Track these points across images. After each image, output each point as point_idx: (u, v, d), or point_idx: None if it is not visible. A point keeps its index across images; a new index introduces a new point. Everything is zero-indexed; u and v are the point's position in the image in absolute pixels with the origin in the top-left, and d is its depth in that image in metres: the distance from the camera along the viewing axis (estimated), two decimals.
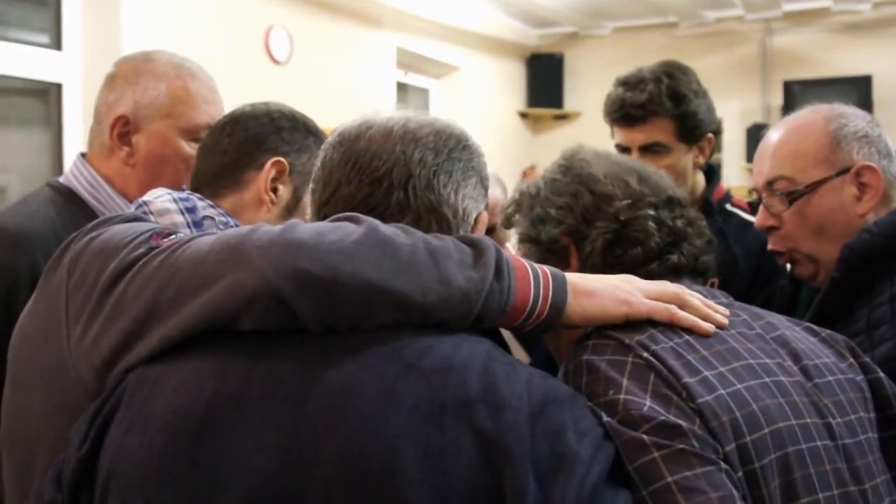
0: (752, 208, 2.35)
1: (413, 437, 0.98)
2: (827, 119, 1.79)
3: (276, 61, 5.08)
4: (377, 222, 1.09)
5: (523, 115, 8.02)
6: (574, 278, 1.22)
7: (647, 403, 1.12)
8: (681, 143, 2.48)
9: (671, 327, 1.24)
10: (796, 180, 1.77)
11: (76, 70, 4.14)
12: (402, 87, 6.67)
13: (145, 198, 1.54)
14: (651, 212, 1.40)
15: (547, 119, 8.10)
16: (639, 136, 2.48)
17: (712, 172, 2.66)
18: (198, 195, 1.59)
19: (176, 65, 1.92)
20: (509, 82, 7.81)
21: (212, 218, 1.54)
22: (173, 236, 1.17)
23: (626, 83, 2.51)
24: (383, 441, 0.98)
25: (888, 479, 1.28)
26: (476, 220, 1.27)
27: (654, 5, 7.06)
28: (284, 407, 1.02)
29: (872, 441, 1.29)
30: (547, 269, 1.20)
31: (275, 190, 1.62)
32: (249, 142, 1.63)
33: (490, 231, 2.03)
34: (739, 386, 1.18)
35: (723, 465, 1.09)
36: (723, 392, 1.16)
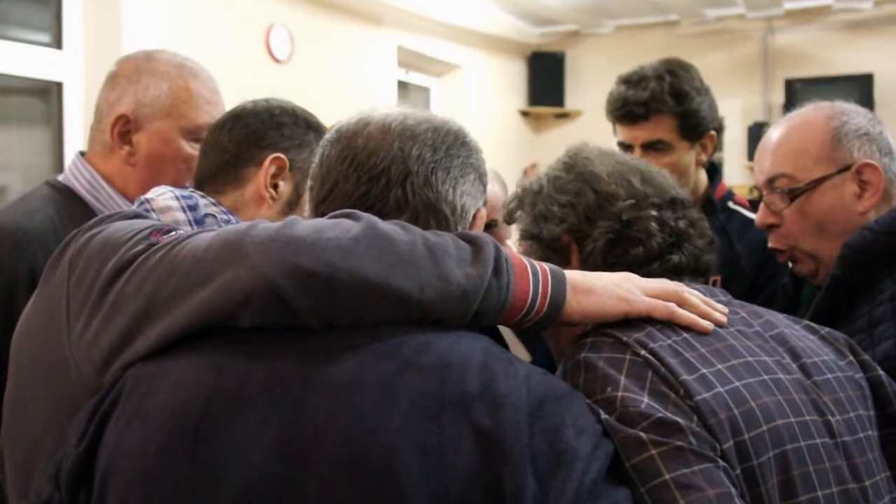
0: (754, 206, 2.35)
1: (412, 434, 0.98)
2: (828, 117, 1.79)
3: (276, 60, 5.08)
4: (376, 219, 1.09)
5: (524, 114, 8.01)
6: (573, 276, 1.22)
7: (645, 401, 1.12)
8: (683, 140, 2.48)
9: (670, 325, 1.24)
10: (797, 178, 1.77)
11: (77, 69, 4.14)
12: (403, 86, 6.67)
13: (148, 195, 1.54)
14: (654, 212, 1.40)
15: (548, 118, 8.10)
16: (641, 134, 2.48)
17: (714, 170, 2.65)
18: (200, 193, 1.59)
19: (178, 64, 1.92)
20: (510, 81, 7.81)
21: (214, 216, 1.55)
22: (173, 233, 1.17)
23: (628, 81, 2.51)
24: (382, 437, 0.98)
25: (888, 476, 1.28)
26: (474, 217, 1.27)
27: (655, 4, 7.05)
28: (283, 403, 1.02)
29: (872, 439, 1.29)
30: (546, 266, 1.20)
31: (275, 186, 1.62)
32: (249, 138, 1.63)
33: (489, 227, 2.04)
34: (738, 383, 1.18)
35: (720, 462, 1.10)
36: (721, 389, 1.16)
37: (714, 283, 1.44)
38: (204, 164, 1.66)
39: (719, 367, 1.19)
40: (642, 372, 1.16)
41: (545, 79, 7.93)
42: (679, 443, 1.09)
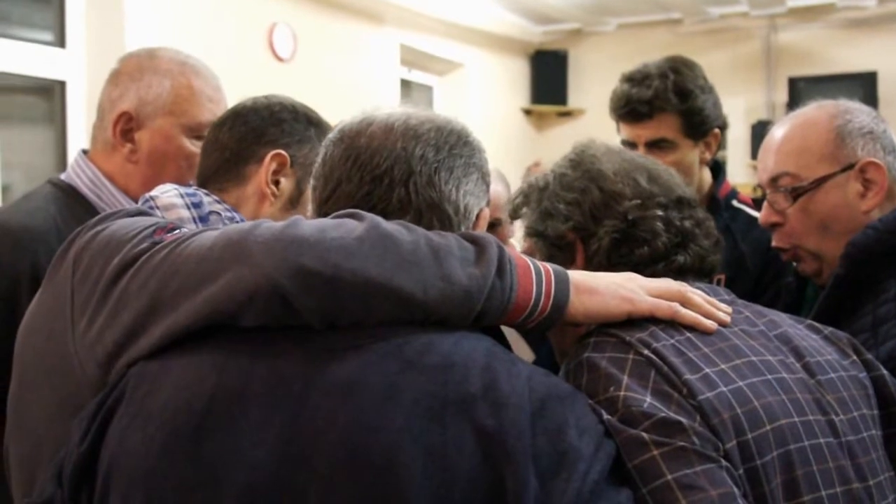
0: (757, 205, 2.34)
1: (414, 434, 0.98)
2: (831, 115, 1.79)
3: (279, 58, 5.08)
4: (379, 219, 1.09)
5: (527, 112, 8.02)
6: (576, 276, 1.22)
7: (648, 400, 1.12)
8: (687, 138, 2.47)
9: (673, 324, 1.23)
10: (800, 177, 1.76)
11: (80, 67, 4.15)
12: (405, 85, 6.67)
13: (152, 193, 1.54)
14: (660, 212, 1.39)
15: (551, 116, 8.10)
16: (645, 133, 2.47)
17: (719, 169, 2.65)
18: (204, 190, 1.59)
19: (180, 62, 1.91)
20: (513, 79, 7.81)
21: (218, 213, 1.54)
22: (177, 231, 1.17)
23: (631, 79, 2.50)
24: (384, 437, 0.98)
25: (891, 476, 1.28)
26: (477, 217, 1.27)
27: (658, 2, 7.05)
28: (285, 402, 1.02)
29: (876, 438, 1.29)
30: (549, 266, 1.20)
31: (276, 183, 1.62)
32: (249, 135, 1.63)
33: (492, 226, 2.03)
34: (741, 383, 1.18)
35: (723, 462, 1.09)
36: (724, 389, 1.16)
37: (718, 283, 1.44)
38: (206, 163, 1.66)
39: (722, 366, 1.19)
40: (645, 371, 1.16)
41: (548, 77, 7.93)
42: (681, 443, 1.09)
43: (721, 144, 2.59)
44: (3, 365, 1.30)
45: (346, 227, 1.07)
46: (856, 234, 1.68)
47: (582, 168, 1.45)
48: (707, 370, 1.17)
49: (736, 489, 1.07)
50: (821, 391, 1.25)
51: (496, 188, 2.16)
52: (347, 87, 5.50)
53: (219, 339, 1.07)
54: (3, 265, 1.68)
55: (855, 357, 1.37)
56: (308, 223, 1.08)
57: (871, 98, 6.37)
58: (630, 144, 2.49)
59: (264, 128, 1.64)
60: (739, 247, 2.41)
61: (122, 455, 1.05)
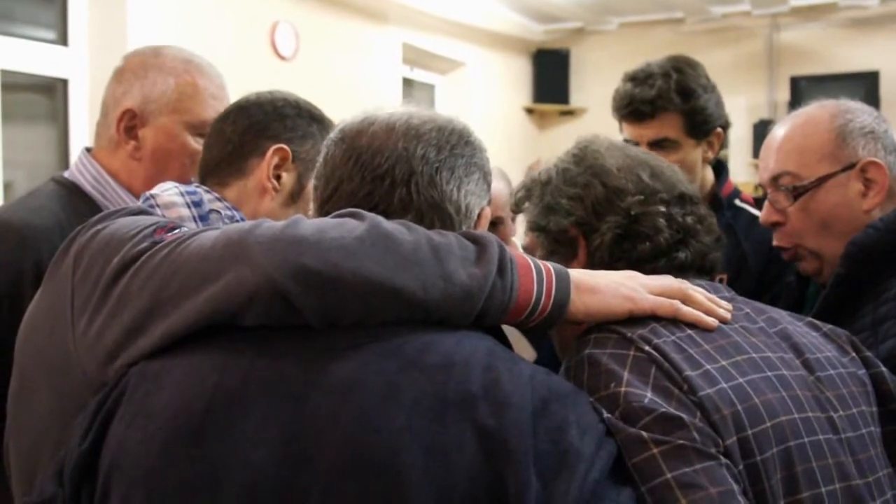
0: (758, 204, 2.34)
1: (415, 433, 0.98)
2: (832, 115, 1.79)
3: (281, 57, 5.08)
4: (380, 218, 1.09)
5: (529, 111, 8.01)
6: (577, 275, 1.22)
7: (648, 396, 1.12)
8: (690, 138, 2.47)
9: (674, 321, 1.24)
10: (801, 176, 1.77)
11: (82, 65, 4.15)
12: (407, 83, 6.67)
13: (153, 191, 1.55)
14: (662, 208, 1.39)
15: (553, 115, 8.09)
16: (647, 132, 2.47)
17: (721, 168, 2.65)
18: (204, 188, 1.59)
19: (185, 60, 1.92)
20: (515, 78, 7.81)
21: (218, 212, 1.55)
22: (177, 230, 1.17)
23: (634, 78, 2.50)
24: (385, 436, 0.98)
25: (890, 473, 1.28)
26: (479, 216, 1.27)
27: (660, 1, 7.05)
28: (286, 402, 1.02)
29: (875, 435, 1.29)
30: (550, 265, 1.20)
31: (278, 177, 1.63)
32: (252, 129, 1.64)
33: (494, 225, 2.04)
34: (741, 379, 1.18)
35: (723, 459, 1.09)
36: (724, 385, 1.16)
37: (720, 282, 1.44)
38: (208, 156, 1.67)
39: (723, 363, 1.19)
40: (645, 368, 1.16)
41: (550, 76, 7.92)
42: (681, 441, 1.09)
43: (723, 143, 2.60)
44: (6, 363, 1.30)
45: (347, 226, 1.07)
46: (857, 234, 1.69)
47: (585, 163, 1.45)
48: (708, 367, 1.17)
49: (735, 486, 1.08)
50: (820, 388, 1.26)
51: (498, 186, 2.16)
52: (349, 86, 5.50)
53: (219, 339, 1.07)
54: (6, 263, 1.68)
55: (854, 354, 1.37)
56: (308, 223, 1.08)
57: (873, 97, 6.36)
58: (633, 144, 2.49)
59: (267, 122, 1.65)
60: (741, 246, 2.41)
61: (122, 455, 1.05)
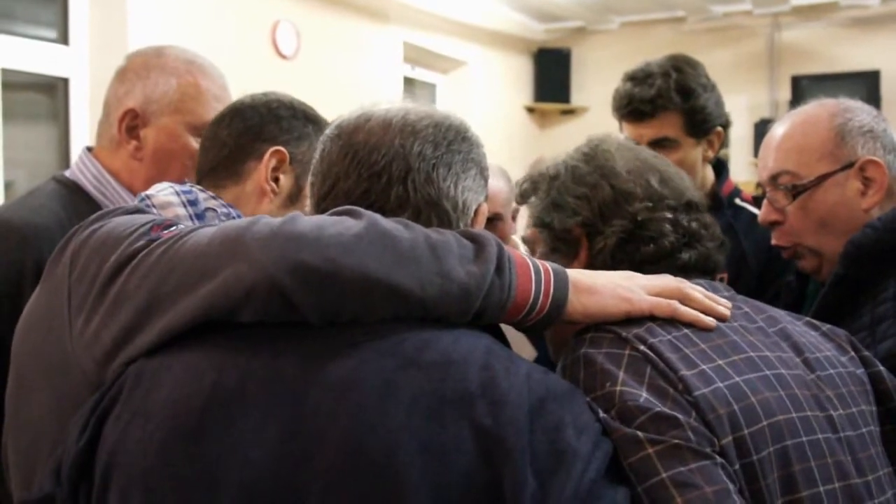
0: (758, 203, 2.34)
1: (413, 431, 0.98)
2: (832, 114, 1.79)
3: (282, 56, 5.08)
4: (378, 216, 1.09)
5: (530, 110, 8.01)
6: (575, 275, 1.22)
7: (644, 395, 1.12)
8: (690, 137, 2.47)
9: (671, 320, 1.23)
10: (800, 175, 1.77)
11: (83, 65, 4.15)
12: (408, 82, 6.67)
13: (148, 192, 1.55)
14: (669, 214, 1.39)
15: (554, 114, 8.09)
16: (647, 132, 2.47)
17: (721, 167, 2.65)
18: (199, 187, 1.59)
19: (187, 60, 1.92)
20: (516, 77, 7.81)
21: (214, 210, 1.55)
22: (174, 228, 1.17)
23: (634, 78, 2.50)
24: (383, 434, 0.98)
25: (889, 472, 1.28)
26: (476, 212, 1.27)
27: (661, 0, 7.05)
28: (284, 400, 1.02)
29: (874, 434, 1.29)
30: (549, 265, 1.20)
31: (276, 180, 1.63)
32: (248, 132, 1.64)
33: (492, 222, 2.04)
34: (738, 379, 1.18)
35: (718, 458, 1.09)
36: (720, 385, 1.16)
37: (721, 281, 1.44)
38: (203, 160, 1.67)
39: (720, 362, 1.19)
40: (641, 367, 1.16)
41: (551, 75, 7.92)
42: (676, 440, 1.09)
43: (724, 142, 2.60)
44: (6, 363, 1.31)
45: (345, 223, 1.07)
46: (855, 234, 1.68)
47: (595, 162, 1.44)
48: (703, 366, 1.17)
49: (731, 485, 1.07)
50: (820, 387, 1.26)
51: (497, 184, 2.16)
52: (351, 85, 5.50)
53: (218, 336, 1.07)
54: (7, 262, 1.68)
55: (853, 353, 1.37)
56: (306, 219, 1.08)
57: (873, 97, 6.36)
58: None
59: (263, 125, 1.65)
60: (742, 245, 2.41)
61: (121, 453, 1.05)
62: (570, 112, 8.00)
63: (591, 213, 1.40)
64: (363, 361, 1.03)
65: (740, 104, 6.96)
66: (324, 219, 1.09)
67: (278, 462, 1.00)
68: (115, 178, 1.87)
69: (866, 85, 6.54)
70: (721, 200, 2.50)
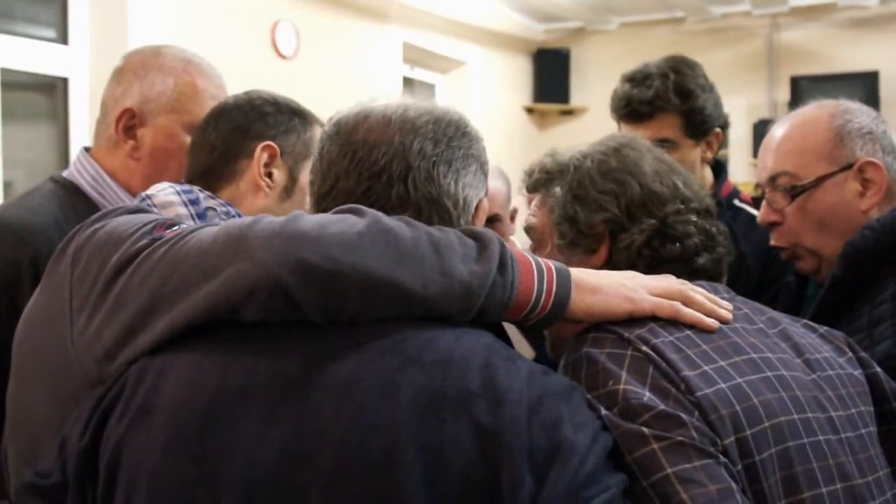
0: (757, 204, 2.34)
1: (413, 430, 0.98)
2: (831, 115, 1.79)
3: (282, 56, 5.08)
4: (380, 214, 1.10)
5: (529, 111, 8.00)
6: (578, 274, 1.22)
7: (647, 394, 1.13)
8: (688, 138, 2.47)
9: (673, 322, 1.23)
10: (799, 176, 1.77)
11: (82, 64, 4.14)
12: (408, 82, 6.66)
13: (149, 191, 1.55)
14: (694, 217, 1.39)
15: (553, 114, 8.08)
16: (646, 133, 2.46)
17: (720, 168, 2.65)
18: (198, 187, 1.60)
19: (185, 60, 1.92)
20: (515, 77, 7.80)
21: (214, 209, 1.55)
22: (176, 227, 1.17)
23: (632, 79, 2.50)
24: (384, 433, 0.98)
25: (888, 472, 1.29)
26: (477, 208, 1.27)
27: (661, 1, 7.05)
28: (287, 401, 1.02)
29: (873, 435, 1.30)
30: (551, 264, 1.20)
31: (269, 175, 1.64)
32: (236, 132, 1.66)
33: (491, 222, 2.03)
34: (740, 380, 1.18)
35: (721, 458, 1.10)
36: (723, 386, 1.16)
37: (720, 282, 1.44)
38: (193, 164, 1.69)
39: (722, 363, 1.19)
40: (643, 367, 1.16)
41: (550, 75, 7.91)
42: (680, 437, 1.09)
43: (723, 143, 2.60)
44: (5, 361, 1.31)
45: (347, 222, 1.07)
46: (853, 235, 1.68)
47: (623, 159, 1.43)
48: (706, 367, 1.17)
49: (734, 484, 1.08)
50: (820, 388, 1.26)
51: (496, 185, 2.16)
52: (350, 85, 5.49)
53: (221, 336, 1.08)
54: (4, 262, 1.68)
55: (850, 354, 1.37)
56: (309, 218, 1.08)
57: (872, 98, 6.35)
58: None
59: (249, 123, 1.67)
60: (740, 246, 2.40)
61: (125, 453, 1.05)
62: (570, 112, 7.99)
63: (619, 210, 1.39)
64: (365, 361, 1.04)
65: (739, 105, 6.96)
66: (326, 217, 1.09)
67: (282, 461, 1.00)
68: (113, 177, 1.87)
69: (865, 86, 6.53)
70: (720, 202, 2.50)
